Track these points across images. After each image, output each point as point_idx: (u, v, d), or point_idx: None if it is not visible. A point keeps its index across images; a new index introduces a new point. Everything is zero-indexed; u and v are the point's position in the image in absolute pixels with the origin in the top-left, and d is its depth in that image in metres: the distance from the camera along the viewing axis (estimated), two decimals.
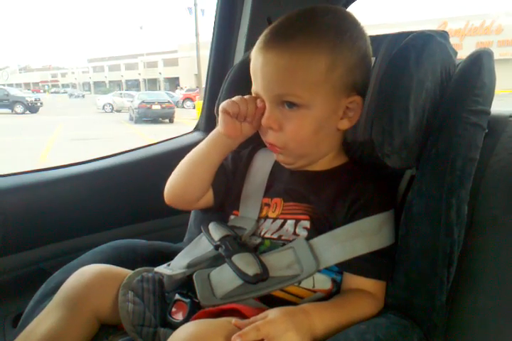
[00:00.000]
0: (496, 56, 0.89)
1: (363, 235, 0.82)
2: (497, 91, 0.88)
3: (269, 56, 0.82)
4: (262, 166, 1.00)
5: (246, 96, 0.90)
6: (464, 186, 0.80)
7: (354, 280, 0.84)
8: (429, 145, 0.84)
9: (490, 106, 0.85)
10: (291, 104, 0.83)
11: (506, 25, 25.11)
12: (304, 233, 0.87)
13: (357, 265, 0.83)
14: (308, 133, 0.85)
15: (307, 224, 0.87)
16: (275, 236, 0.89)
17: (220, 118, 0.93)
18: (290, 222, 0.89)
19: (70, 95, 39.60)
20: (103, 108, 22.61)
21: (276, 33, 0.83)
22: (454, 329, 0.83)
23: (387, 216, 0.85)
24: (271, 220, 0.92)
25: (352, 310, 0.79)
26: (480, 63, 0.84)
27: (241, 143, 0.96)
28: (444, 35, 0.88)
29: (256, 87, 0.87)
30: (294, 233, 0.87)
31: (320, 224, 0.87)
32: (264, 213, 0.94)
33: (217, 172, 0.99)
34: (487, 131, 0.84)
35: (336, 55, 0.80)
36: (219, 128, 0.94)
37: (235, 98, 0.90)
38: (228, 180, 1.02)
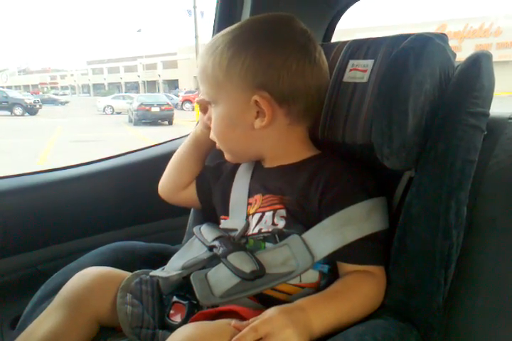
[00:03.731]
0: (495, 58, 0.89)
1: (352, 223, 0.82)
2: (496, 93, 0.88)
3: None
4: (244, 171, 1.02)
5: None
6: (463, 188, 0.80)
7: (350, 269, 0.83)
8: (428, 147, 0.84)
9: (489, 108, 0.85)
10: (209, 101, 0.94)
11: (505, 27, 25.17)
12: (282, 222, 0.87)
13: (350, 253, 0.82)
14: (222, 129, 0.94)
15: (284, 213, 0.88)
16: (256, 231, 0.90)
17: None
18: (268, 214, 0.90)
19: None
20: (104, 110, 22.70)
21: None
22: (453, 331, 0.83)
23: (374, 202, 0.85)
24: (251, 216, 0.93)
25: (350, 294, 0.79)
26: (479, 65, 0.84)
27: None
28: (442, 37, 0.88)
29: None
30: (273, 223, 0.88)
31: (296, 213, 0.87)
32: (247, 213, 0.94)
33: (200, 175, 1.11)
34: (486, 133, 0.84)
35: (232, 54, 0.86)
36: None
37: None
38: (210, 186, 1.09)
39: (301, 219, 0.86)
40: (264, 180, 0.96)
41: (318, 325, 0.74)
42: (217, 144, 0.98)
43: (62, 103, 33.87)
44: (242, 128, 0.91)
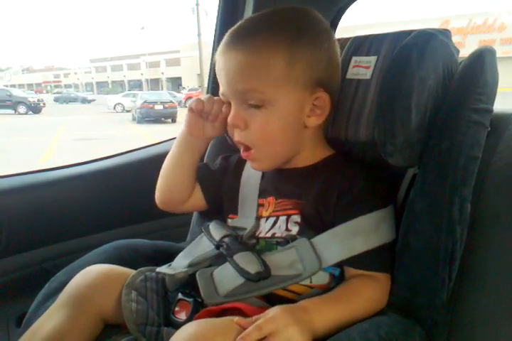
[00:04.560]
0: (499, 54, 0.89)
1: (362, 233, 0.82)
2: (499, 89, 0.88)
3: (231, 55, 0.84)
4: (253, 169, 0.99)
5: (216, 97, 0.94)
6: (466, 184, 0.79)
7: (355, 273, 0.83)
8: (431, 143, 0.83)
9: (492, 105, 0.85)
10: (256, 101, 0.83)
11: (509, 23, 24.99)
12: (296, 228, 0.87)
13: (356, 260, 0.82)
14: (276, 130, 0.85)
15: (298, 218, 0.87)
16: (269, 234, 0.90)
17: (186, 115, 0.98)
18: (282, 219, 0.89)
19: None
20: (114, 108, 22.74)
21: (237, 34, 0.86)
22: (457, 327, 0.83)
23: (384, 213, 0.85)
24: (264, 219, 0.92)
25: (353, 297, 0.80)
26: (482, 61, 0.84)
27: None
28: (446, 33, 0.88)
29: (222, 87, 0.88)
30: (287, 229, 0.88)
31: (311, 218, 0.87)
32: (258, 213, 0.94)
33: (204, 175, 1.04)
34: (490, 129, 0.84)
35: (295, 50, 0.82)
36: (183, 126, 1.00)
37: (203, 96, 0.95)
38: (216, 181, 1.04)
39: (316, 224, 0.86)
40: (277, 182, 0.95)
41: (321, 326, 0.74)
42: (261, 147, 0.87)
43: (89, 101, 34.38)
44: (295, 128, 0.87)
